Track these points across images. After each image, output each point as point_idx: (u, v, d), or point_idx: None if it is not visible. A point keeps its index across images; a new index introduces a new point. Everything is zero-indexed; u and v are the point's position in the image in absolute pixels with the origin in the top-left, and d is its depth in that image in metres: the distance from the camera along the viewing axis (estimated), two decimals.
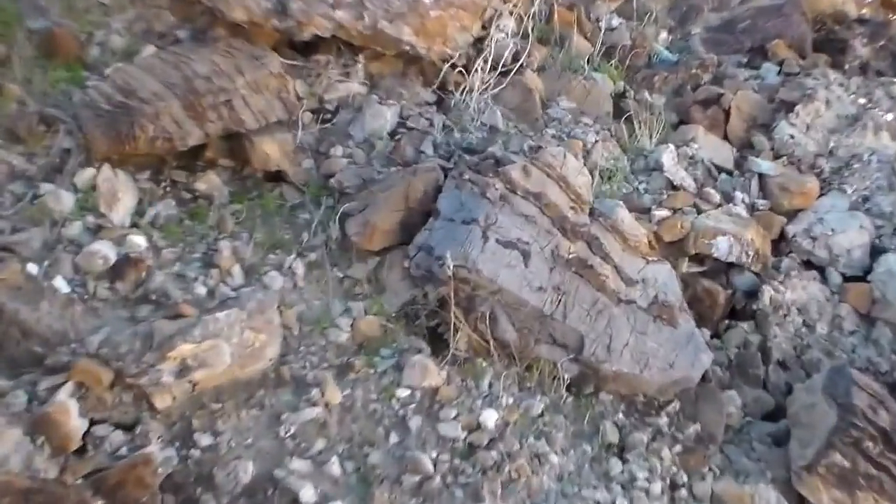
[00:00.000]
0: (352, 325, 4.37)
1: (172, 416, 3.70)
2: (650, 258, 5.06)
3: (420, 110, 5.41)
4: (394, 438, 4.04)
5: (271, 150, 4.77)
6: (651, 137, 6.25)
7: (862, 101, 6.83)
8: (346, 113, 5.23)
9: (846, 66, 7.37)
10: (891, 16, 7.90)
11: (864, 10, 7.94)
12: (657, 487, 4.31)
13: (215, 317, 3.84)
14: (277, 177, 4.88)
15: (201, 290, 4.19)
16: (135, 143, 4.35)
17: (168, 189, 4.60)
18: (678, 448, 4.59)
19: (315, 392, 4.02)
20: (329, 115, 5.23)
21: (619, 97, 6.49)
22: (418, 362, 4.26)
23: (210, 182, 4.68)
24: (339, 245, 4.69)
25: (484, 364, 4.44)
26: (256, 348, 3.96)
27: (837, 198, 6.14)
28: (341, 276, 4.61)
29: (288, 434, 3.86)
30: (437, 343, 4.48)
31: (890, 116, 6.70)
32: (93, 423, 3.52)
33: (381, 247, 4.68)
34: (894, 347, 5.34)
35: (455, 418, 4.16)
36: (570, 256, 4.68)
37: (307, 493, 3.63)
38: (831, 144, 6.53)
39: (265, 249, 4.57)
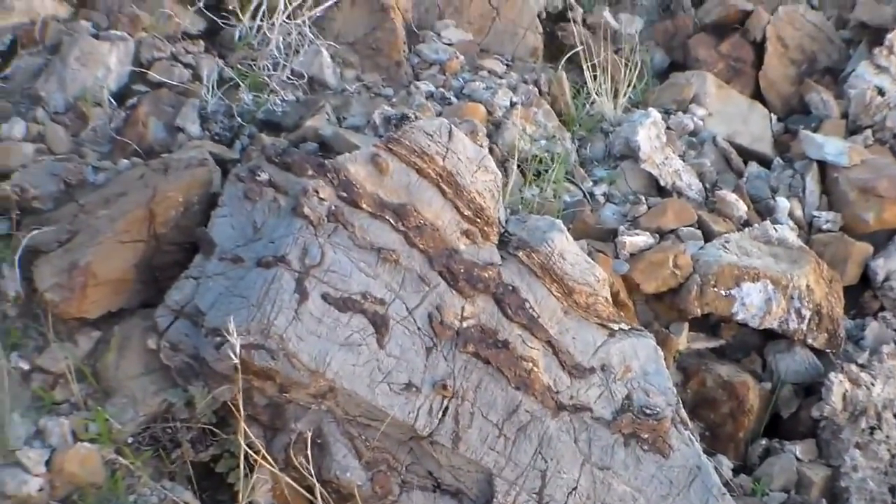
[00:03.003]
0: (49, 463, 4.56)
1: None
2: (616, 326, 5.42)
3: (175, 49, 5.69)
4: None
5: None
6: (617, 96, 6.67)
7: None
8: (32, 55, 5.46)
9: None
10: None
11: None
12: None
13: None
14: None
15: None
16: None
17: None
18: None
19: None
20: None
21: (554, 20, 6.91)
22: None
23: None
24: (22, 310, 4.94)
25: None
26: None
27: None
28: (27, 367, 4.84)
29: None
30: (218, 492, 4.79)
31: None
32: None
33: (104, 311, 4.93)
34: None
35: None
36: (465, 325, 5.01)
37: None
38: None
39: None
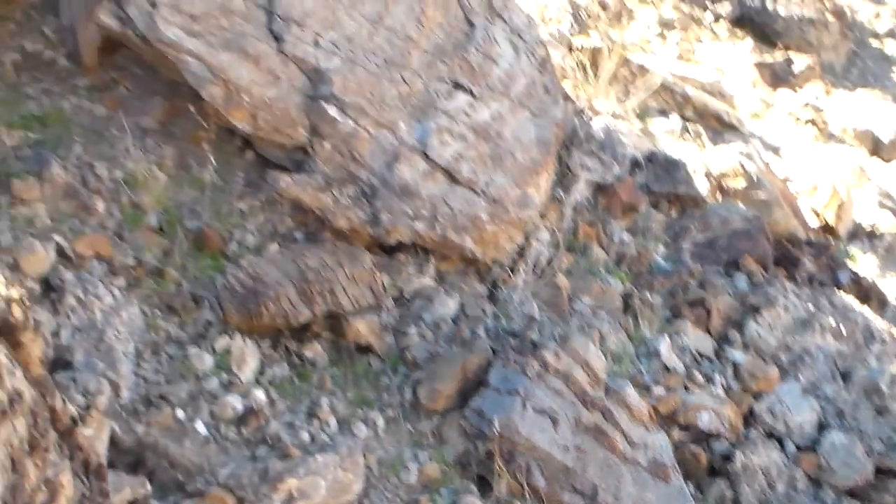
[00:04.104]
0: (419, 469, 4.71)
1: None
2: (650, 427, 5.35)
3: (476, 301, 5.77)
4: None
5: (362, 328, 5.18)
6: (651, 329, 6.53)
7: (811, 307, 7.26)
8: (420, 301, 5.59)
9: (798, 278, 7.63)
10: (830, 239, 8.69)
11: (811, 234, 8.69)
12: None
13: (315, 458, 4.22)
14: (366, 349, 5.25)
15: (305, 436, 4.57)
16: (260, 319, 4.84)
17: (283, 355, 5.00)
18: None
19: None
20: (407, 302, 5.59)
21: (626, 296, 6.71)
22: (470, 502, 4.60)
23: (315, 350, 5.09)
24: (412, 405, 5.06)
25: None
26: (345, 484, 4.28)
27: (793, 384, 6.55)
28: (412, 429, 4.96)
29: None
30: (485, 487, 4.78)
31: (832, 320, 7.15)
32: None
33: (444, 408, 5.02)
34: None
35: None
36: (589, 424, 4.99)
37: None
38: (788, 341, 6.93)
39: (355, 405, 4.93)
